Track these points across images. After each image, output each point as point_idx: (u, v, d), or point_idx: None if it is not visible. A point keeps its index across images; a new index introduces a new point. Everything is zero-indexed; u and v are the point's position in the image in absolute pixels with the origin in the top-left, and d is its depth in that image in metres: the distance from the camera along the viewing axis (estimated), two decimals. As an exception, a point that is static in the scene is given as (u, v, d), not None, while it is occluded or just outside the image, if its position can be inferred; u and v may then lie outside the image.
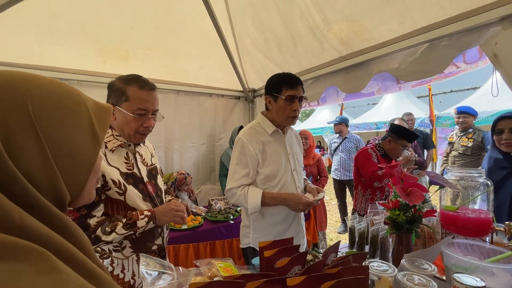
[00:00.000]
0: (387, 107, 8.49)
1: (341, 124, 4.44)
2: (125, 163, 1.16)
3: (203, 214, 2.36)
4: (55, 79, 0.44)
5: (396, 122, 3.02)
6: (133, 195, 1.13)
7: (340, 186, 4.42)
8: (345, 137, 4.39)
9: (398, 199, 1.08)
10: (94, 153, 0.46)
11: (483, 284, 0.73)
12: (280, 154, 1.51)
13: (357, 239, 1.37)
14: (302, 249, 1.64)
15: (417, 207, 1.04)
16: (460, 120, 3.42)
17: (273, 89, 1.44)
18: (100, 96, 2.77)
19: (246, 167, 1.44)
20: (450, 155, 3.52)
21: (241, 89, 3.40)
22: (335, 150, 4.46)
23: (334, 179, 4.48)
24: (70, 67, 2.31)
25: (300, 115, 1.67)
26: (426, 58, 1.72)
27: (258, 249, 1.45)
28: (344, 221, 4.48)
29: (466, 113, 3.40)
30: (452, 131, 3.90)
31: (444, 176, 1.30)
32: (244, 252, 1.61)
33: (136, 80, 1.11)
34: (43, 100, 0.39)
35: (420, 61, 1.76)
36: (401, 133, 2.19)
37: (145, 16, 2.24)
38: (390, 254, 1.27)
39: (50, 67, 2.22)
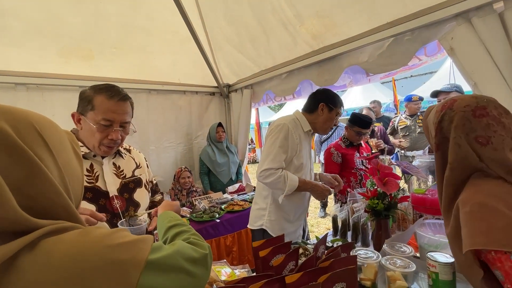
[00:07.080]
0: (356, 93, 8.87)
1: None
2: (87, 175, 1.07)
3: (188, 216, 2.33)
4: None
5: (364, 112, 3.19)
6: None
7: None
8: (337, 126, 4.57)
9: (375, 188, 1.18)
10: (81, 170, 0.58)
11: (452, 260, 0.83)
12: (307, 151, 1.66)
13: (340, 226, 1.47)
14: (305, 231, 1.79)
15: (392, 195, 1.14)
16: (418, 105, 3.78)
17: (332, 102, 1.60)
18: (64, 99, 2.55)
19: (286, 152, 1.52)
20: (408, 136, 3.83)
21: (215, 84, 3.35)
22: (329, 137, 4.54)
23: None
24: (26, 70, 2.10)
25: (273, 106, 1.76)
26: (392, 52, 1.84)
27: (269, 232, 1.56)
28: (322, 206, 4.70)
29: (420, 100, 3.78)
30: (396, 116, 4.24)
31: (413, 163, 1.43)
32: (252, 233, 1.69)
33: (106, 89, 1.02)
34: (46, 126, 0.49)
35: (387, 54, 1.87)
36: (353, 121, 2.40)
37: (109, 12, 2.09)
38: (370, 238, 1.38)
39: (2, 71, 2.01)
